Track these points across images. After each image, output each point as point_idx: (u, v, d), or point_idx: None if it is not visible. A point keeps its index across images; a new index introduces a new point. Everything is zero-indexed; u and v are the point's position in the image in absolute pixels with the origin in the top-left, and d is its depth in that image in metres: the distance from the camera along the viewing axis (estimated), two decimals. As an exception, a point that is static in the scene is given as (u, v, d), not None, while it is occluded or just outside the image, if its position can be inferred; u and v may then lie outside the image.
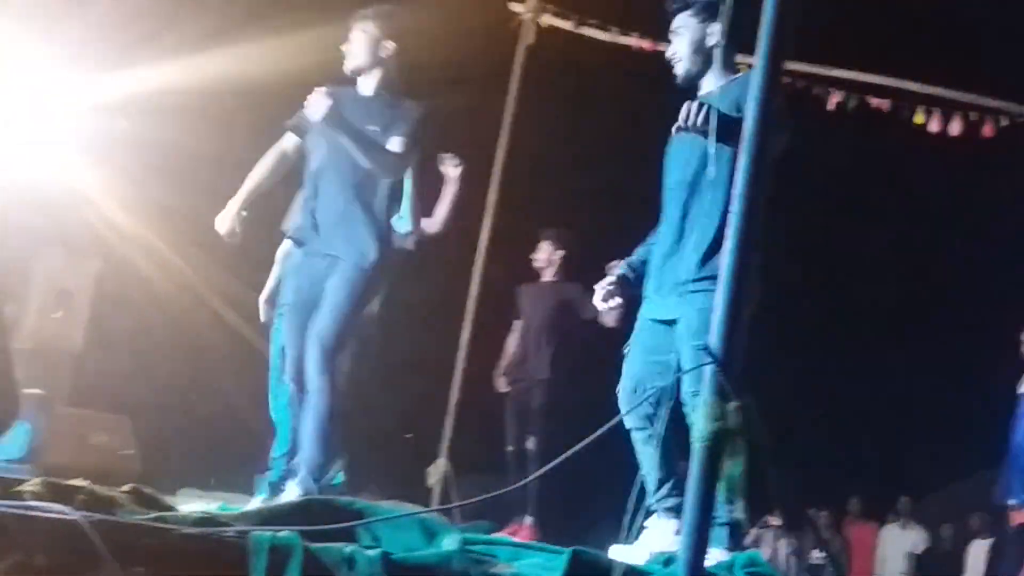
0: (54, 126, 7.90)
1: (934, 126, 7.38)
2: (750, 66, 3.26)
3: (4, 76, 7.50)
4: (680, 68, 4.40)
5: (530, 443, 7.69)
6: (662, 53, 6.98)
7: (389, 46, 5.16)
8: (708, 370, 2.86)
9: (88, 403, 7.60)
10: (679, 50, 4.40)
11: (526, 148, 7.58)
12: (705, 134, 3.93)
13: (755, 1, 3.05)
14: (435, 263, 7.94)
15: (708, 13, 4.31)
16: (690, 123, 3.96)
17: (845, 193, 12.85)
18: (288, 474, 5.11)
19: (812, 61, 7.28)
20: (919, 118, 7.40)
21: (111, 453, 7.01)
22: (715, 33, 4.30)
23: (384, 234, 5.11)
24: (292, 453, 5.15)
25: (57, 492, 3.10)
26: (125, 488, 3.41)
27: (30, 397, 6.34)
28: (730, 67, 4.34)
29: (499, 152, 7.43)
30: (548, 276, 8.02)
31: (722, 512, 3.77)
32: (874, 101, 7.45)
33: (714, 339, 2.87)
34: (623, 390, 4.32)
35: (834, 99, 7.48)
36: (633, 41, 7.73)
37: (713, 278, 3.87)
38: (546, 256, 8.01)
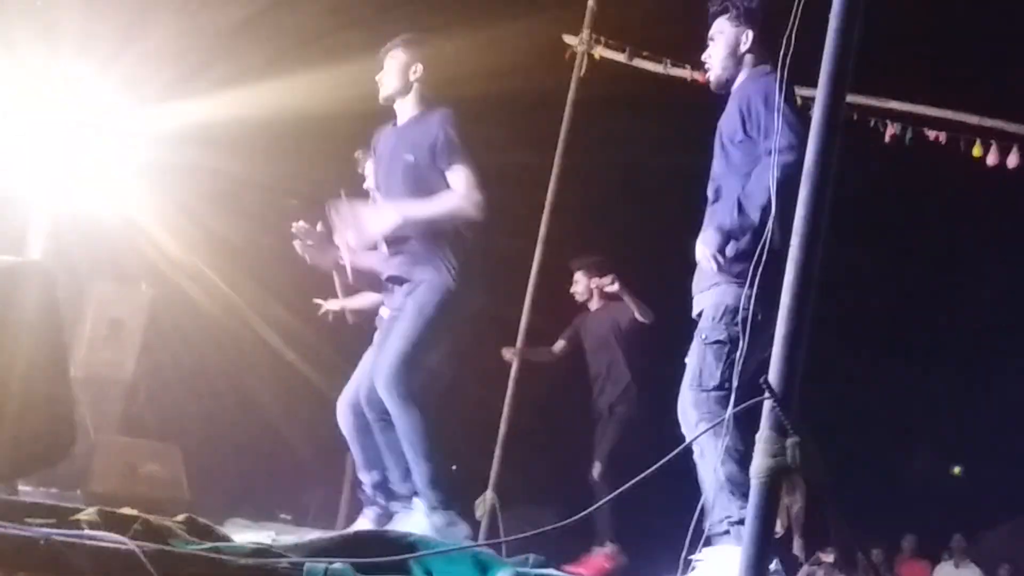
0: (109, 156, 7.98)
1: (991, 159, 7.30)
2: (808, 99, 3.24)
3: (61, 108, 7.60)
4: (713, 74, 4.49)
5: (595, 471, 7.69)
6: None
7: (419, 68, 5.19)
8: (767, 405, 2.83)
9: (139, 432, 7.64)
10: (714, 55, 4.48)
11: (579, 178, 7.58)
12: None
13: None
14: (485, 288, 7.93)
15: (745, 18, 4.40)
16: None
17: (901, 225, 12.74)
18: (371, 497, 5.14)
19: (868, 93, 7.23)
20: (977, 151, 7.34)
21: (161, 482, 7.04)
22: (748, 39, 4.39)
23: (454, 261, 5.06)
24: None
25: (113, 521, 3.11)
26: (180, 518, 3.42)
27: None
28: (760, 71, 4.37)
29: (552, 182, 7.45)
30: (596, 303, 8.06)
31: (734, 510, 3.88)
32: (931, 133, 7.39)
33: (773, 373, 2.83)
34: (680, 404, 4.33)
35: (890, 131, 7.43)
36: (686, 73, 7.74)
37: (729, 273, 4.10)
38: (584, 287, 8.05)
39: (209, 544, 3.13)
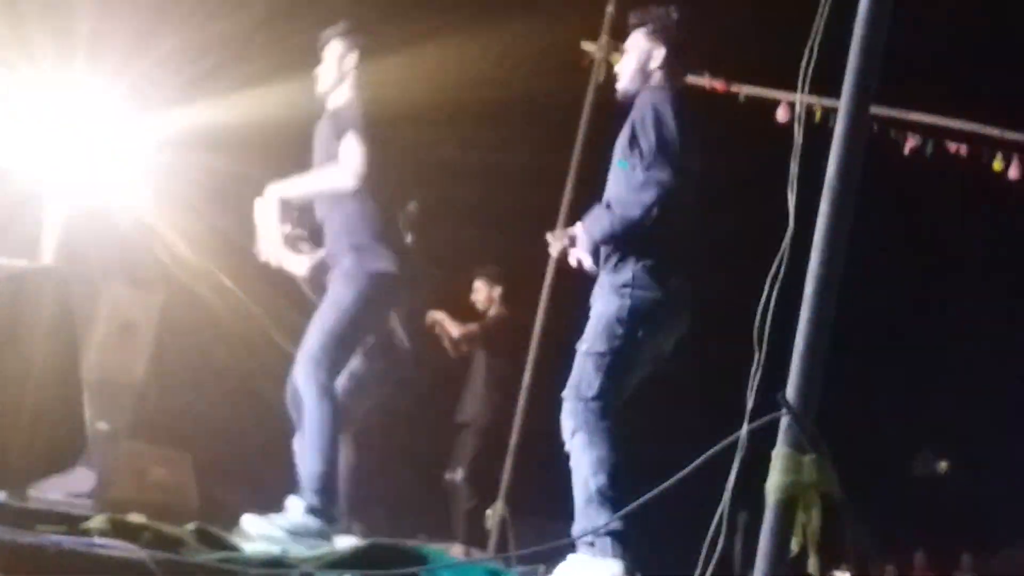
0: (121, 160, 7.97)
1: (1013, 173, 7.24)
2: (829, 110, 3.20)
3: (74, 112, 7.60)
4: (620, 85, 4.52)
5: (458, 475, 7.93)
6: (735, 94, 6.98)
7: (352, 58, 5.11)
8: (784, 421, 2.79)
9: (148, 437, 7.60)
10: (624, 67, 4.52)
11: (596, 184, 7.57)
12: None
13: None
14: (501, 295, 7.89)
15: (660, 34, 4.43)
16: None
17: (920, 238, 12.68)
18: None
19: (888, 104, 7.18)
20: (998, 164, 7.27)
21: (169, 488, 7.01)
22: (659, 57, 4.41)
23: (382, 241, 4.95)
24: None
25: (123, 530, 3.09)
26: (190, 527, 3.39)
27: (97, 432, 6.34)
28: (668, 87, 4.41)
29: (567, 190, 7.44)
30: (495, 312, 8.14)
31: (602, 522, 3.89)
32: (951, 146, 7.33)
33: (791, 388, 2.79)
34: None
35: (910, 143, 7.37)
36: (705, 82, 7.69)
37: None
38: (485, 296, 8.08)
39: (221, 554, 3.10)
